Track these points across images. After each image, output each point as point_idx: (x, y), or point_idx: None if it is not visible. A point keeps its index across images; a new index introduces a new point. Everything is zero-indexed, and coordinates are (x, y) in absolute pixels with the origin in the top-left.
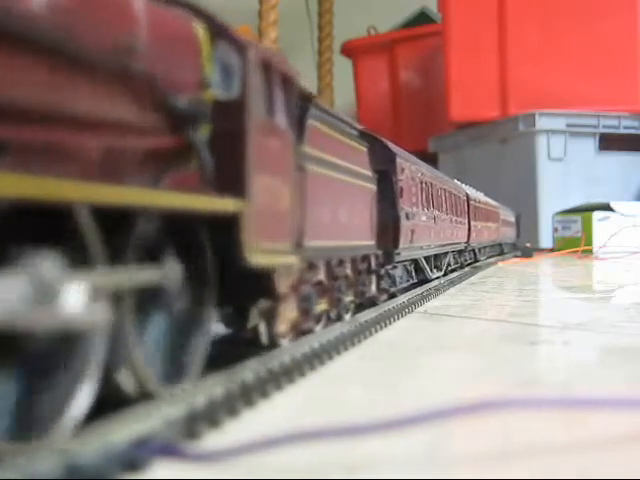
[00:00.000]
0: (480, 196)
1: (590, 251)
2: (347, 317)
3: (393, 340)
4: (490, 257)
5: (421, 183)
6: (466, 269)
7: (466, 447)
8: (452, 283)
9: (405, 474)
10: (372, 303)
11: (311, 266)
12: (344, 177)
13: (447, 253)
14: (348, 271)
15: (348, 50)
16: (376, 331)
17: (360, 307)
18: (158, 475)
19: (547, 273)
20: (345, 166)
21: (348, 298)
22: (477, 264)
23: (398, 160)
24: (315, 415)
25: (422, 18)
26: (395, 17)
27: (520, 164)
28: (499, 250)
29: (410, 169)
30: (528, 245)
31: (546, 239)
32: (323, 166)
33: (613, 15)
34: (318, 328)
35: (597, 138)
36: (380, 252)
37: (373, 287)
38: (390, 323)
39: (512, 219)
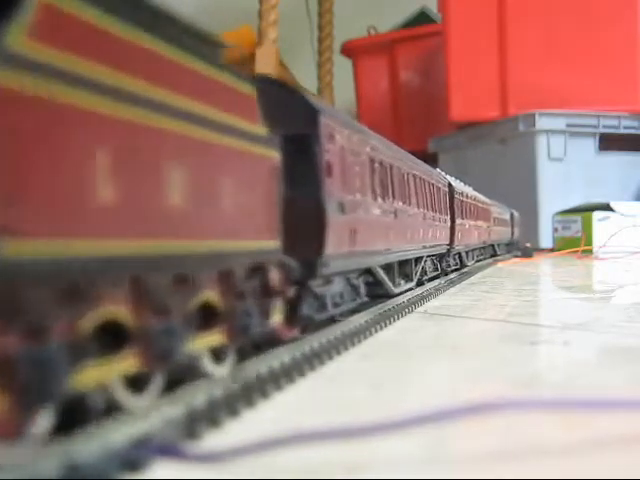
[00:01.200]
0: (468, 190)
1: (590, 251)
2: (220, 371)
3: (393, 340)
4: (480, 261)
5: (372, 162)
6: (451, 276)
7: (466, 447)
8: (452, 283)
9: (405, 474)
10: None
11: (73, 294)
12: (180, 125)
13: (421, 258)
14: (211, 295)
15: (348, 50)
16: (376, 331)
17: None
18: (158, 475)
19: (547, 273)
20: (185, 108)
21: (204, 342)
22: (464, 270)
23: (323, 121)
24: (315, 415)
25: (422, 18)
26: (395, 17)
27: (520, 164)
28: (491, 252)
29: (350, 139)
30: (528, 245)
31: (546, 239)
32: (92, 91)
33: (613, 15)
34: (136, 398)
35: (597, 138)
36: (293, 262)
37: (277, 317)
38: (390, 323)
39: (506, 217)
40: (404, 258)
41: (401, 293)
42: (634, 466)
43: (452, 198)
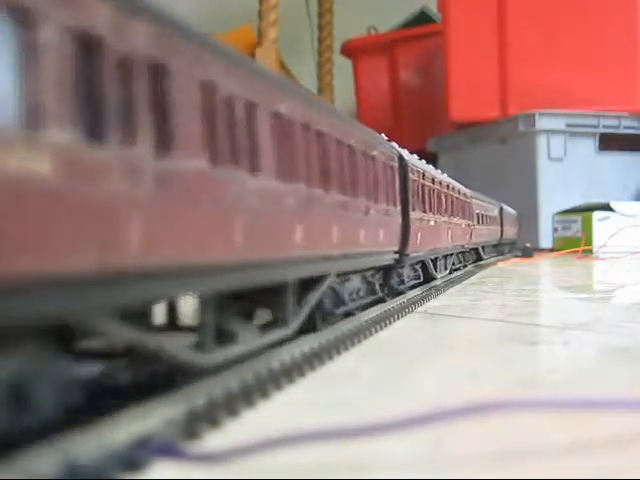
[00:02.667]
0: (434, 172)
1: (590, 251)
2: None
3: (393, 340)
4: (458, 270)
5: (151, 72)
6: (411, 295)
7: (466, 448)
8: (452, 283)
9: (405, 474)
10: None
11: None
12: None
13: (320, 281)
14: None
15: (348, 50)
16: (376, 331)
17: None
18: (158, 475)
19: (547, 273)
20: None
21: None
22: (434, 283)
23: None
24: (315, 415)
25: (422, 18)
26: (395, 17)
27: (520, 164)
28: (474, 257)
29: None
30: (528, 245)
31: (546, 239)
32: None
33: (613, 15)
34: None
35: (597, 138)
36: None
37: None
38: (390, 323)
39: (494, 214)
40: (248, 285)
41: (237, 362)
42: (634, 466)
43: (405, 179)
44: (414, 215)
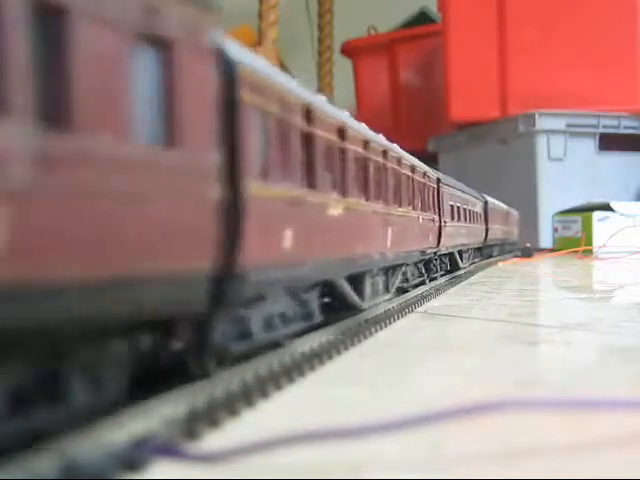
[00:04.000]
0: (348, 120)
1: (590, 251)
2: None
3: (393, 340)
4: (422, 284)
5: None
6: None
7: (466, 448)
8: (452, 284)
9: (405, 474)
10: None
11: None
12: None
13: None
14: None
15: (348, 50)
16: (376, 331)
17: None
18: (158, 475)
19: (547, 273)
20: None
21: None
22: (359, 318)
23: None
24: (315, 415)
25: (422, 18)
26: (395, 17)
27: (520, 164)
28: (446, 266)
29: None
30: (528, 245)
31: (546, 239)
32: None
33: (613, 15)
34: None
35: (597, 138)
36: None
37: None
38: (390, 323)
39: (477, 208)
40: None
41: None
42: (634, 466)
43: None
44: (262, 188)
